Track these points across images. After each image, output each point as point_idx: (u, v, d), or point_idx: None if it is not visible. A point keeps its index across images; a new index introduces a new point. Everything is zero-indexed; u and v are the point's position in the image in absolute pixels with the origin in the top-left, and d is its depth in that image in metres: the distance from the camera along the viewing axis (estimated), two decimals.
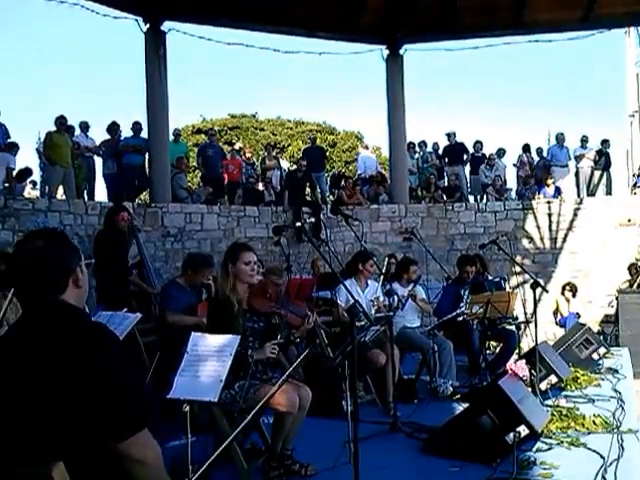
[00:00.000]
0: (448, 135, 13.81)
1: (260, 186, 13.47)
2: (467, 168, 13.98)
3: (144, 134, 11.33)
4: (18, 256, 2.02)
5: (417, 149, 14.36)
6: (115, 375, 1.87)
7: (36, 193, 12.10)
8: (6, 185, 9.50)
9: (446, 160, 13.87)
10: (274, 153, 13.98)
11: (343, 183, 13.57)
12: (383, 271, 6.70)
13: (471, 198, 13.69)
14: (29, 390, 1.84)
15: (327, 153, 19.26)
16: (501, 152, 14.14)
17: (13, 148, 9.95)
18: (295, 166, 12.82)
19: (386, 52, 12.52)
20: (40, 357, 1.86)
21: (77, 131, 11.28)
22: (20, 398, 1.85)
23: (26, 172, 10.94)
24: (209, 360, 3.29)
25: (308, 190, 12.88)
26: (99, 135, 11.68)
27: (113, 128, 11.40)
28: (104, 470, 1.88)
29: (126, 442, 1.83)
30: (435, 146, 14.39)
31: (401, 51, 12.55)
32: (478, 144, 14.07)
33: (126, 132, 11.62)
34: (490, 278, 7.83)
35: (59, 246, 2.04)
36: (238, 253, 4.02)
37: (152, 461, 1.91)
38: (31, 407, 1.83)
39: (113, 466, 1.87)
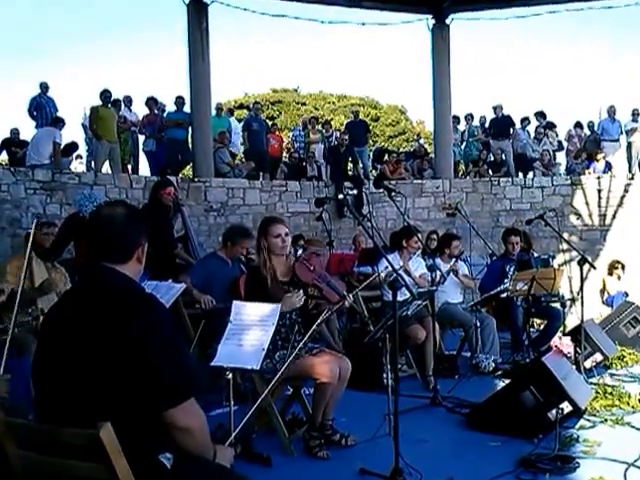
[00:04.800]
0: (495, 108, 13.44)
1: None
2: (532, 134, 13.46)
3: (186, 108, 11.41)
4: (96, 217, 2.13)
5: (463, 122, 14.08)
6: (163, 347, 1.92)
7: (82, 167, 12.35)
8: (53, 159, 9.68)
9: (491, 132, 13.54)
10: (318, 127, 13.82)
11: (386, 158, 13.41)
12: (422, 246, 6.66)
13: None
14: (80, 354, 1.90)
15: (370, 127, 19.05)
16: (551, 125, 13.71)
17: (59, 123, 10.11)
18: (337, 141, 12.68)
19: (432, 22, 12.22)
20: (93, 323, 1.91)
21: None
22: (71, 362, 1.91)
23: (72, 146, 11.13)
24: (252, 329, 3.33)
25: (350, 165, 12.80)
26: (143, 110, 11.82)
27: (150, 103, 11.51)
28: (150, 432, 1.93)
29: (171, 411, 1.88)
30: (482, 119, 14.05)
31: (447, 20, 12.23)
32: (540, 114, 13.52)
33: (169, 107, 11.76)
34: (536, 255, 7.69)
35: (136, 219, 2.16)
36: (267, 227, 4.06)
37: (197, 429, 1.97)
38: (82, 371, 1.89)
39: (159, 429, 1.92)
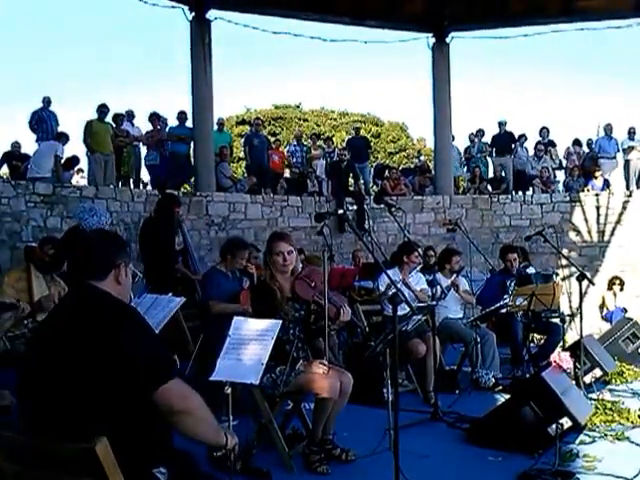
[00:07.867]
0: (500, 124, 13.45)
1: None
2: (531, 152, 13.44)
3: (189, 123, 11.48)
4: (74, 234, 2.20)
5: (463, 140, 14.10)
6: (139, 341, 1.97)
7: (84, 181, 12.39)
8: (54, 172, 9.72)
9: (494, 150, 13.57)
10: (320, 142, 13.91)
11: (387, 174, 13.48)
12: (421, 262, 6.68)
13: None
14: (67, 367, 1.93)
15: (371, 144, 19.14)
16: (551, 144, 13.72)
17: (62, 138, 10.17)
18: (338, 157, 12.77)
19: (432, 40, 12.34)
20: (74, 334, 1.95)
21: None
22: (64, 377, 1.93)
23: (73, 160, 11.20)
24: (251, 343, 3.33)
25: (351, 181, 12.86)
26: (145, 125, 11.90)
27: (153, 118, 11.59)
28: (146, 446, 1.95)
29: (161, 393, 1.91)
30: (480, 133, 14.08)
31: (448, 39, 12.35)
32: (544, 130, 13.58)
33: (171, 121, 11.84)
34: (530, 271, 7.68)
35: (110, 240, 2.26)
36: (271, 243, 4.09)
37: (196, 407, 2.01)
38: (75, 387, 1.91)
39: (154, 443, 1.93)
